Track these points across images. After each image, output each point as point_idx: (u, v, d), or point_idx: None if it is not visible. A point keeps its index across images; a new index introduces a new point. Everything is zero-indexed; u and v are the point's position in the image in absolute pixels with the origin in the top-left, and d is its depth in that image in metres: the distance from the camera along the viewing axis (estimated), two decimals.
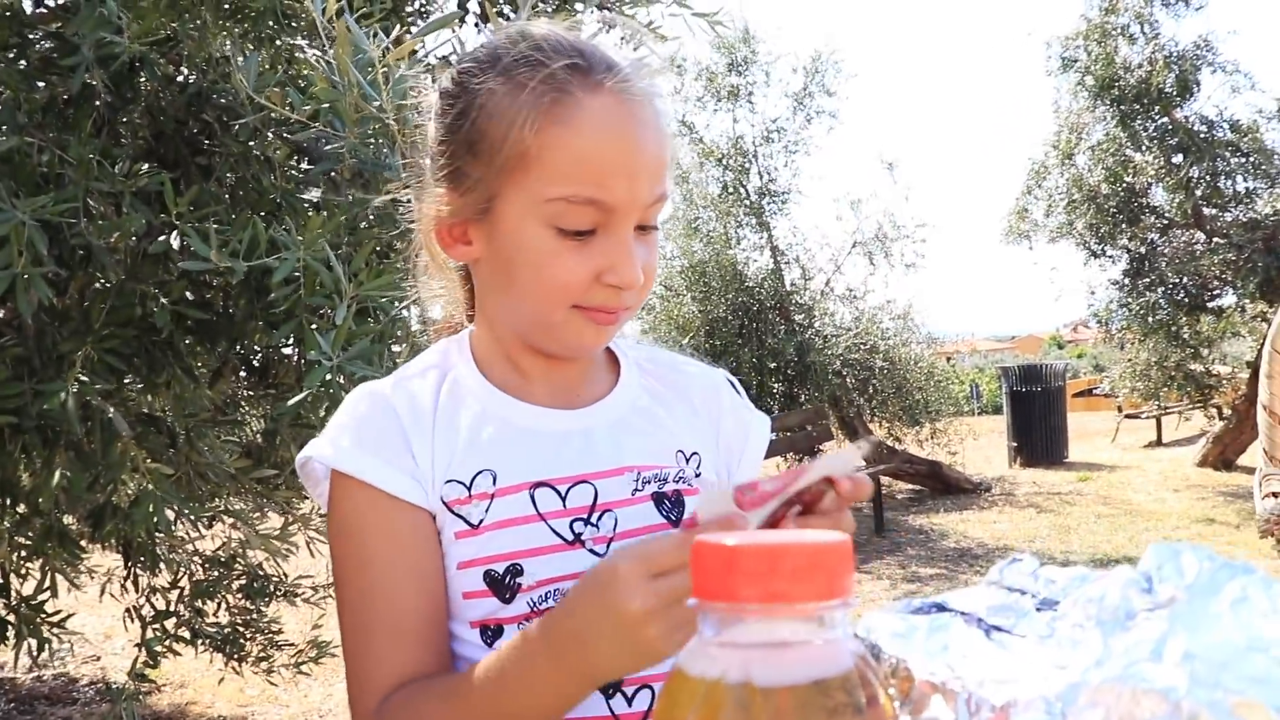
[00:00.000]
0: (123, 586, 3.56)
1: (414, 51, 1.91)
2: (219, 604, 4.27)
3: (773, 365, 12.45)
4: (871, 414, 12.92)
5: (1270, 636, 0.62)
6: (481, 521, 1.08)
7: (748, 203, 13.11)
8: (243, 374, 3.21)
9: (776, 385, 12.80)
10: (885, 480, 11.69)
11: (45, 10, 2.91)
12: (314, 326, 2.14)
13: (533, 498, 1.10)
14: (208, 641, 4.37)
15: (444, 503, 1.09)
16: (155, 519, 2.51)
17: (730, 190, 13.21)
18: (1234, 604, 0.65)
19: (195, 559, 3.74)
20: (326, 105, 2.00)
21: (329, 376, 1.89)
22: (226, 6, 3.07)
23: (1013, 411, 14.76)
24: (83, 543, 3.34)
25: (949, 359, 17.77)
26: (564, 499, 1.12)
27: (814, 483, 0.94)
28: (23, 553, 3.26)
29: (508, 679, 0.95)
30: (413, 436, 1.10)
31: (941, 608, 0.72)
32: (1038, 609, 0.70)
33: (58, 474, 2.51)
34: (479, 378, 1.17)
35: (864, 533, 10.13)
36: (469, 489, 1.09)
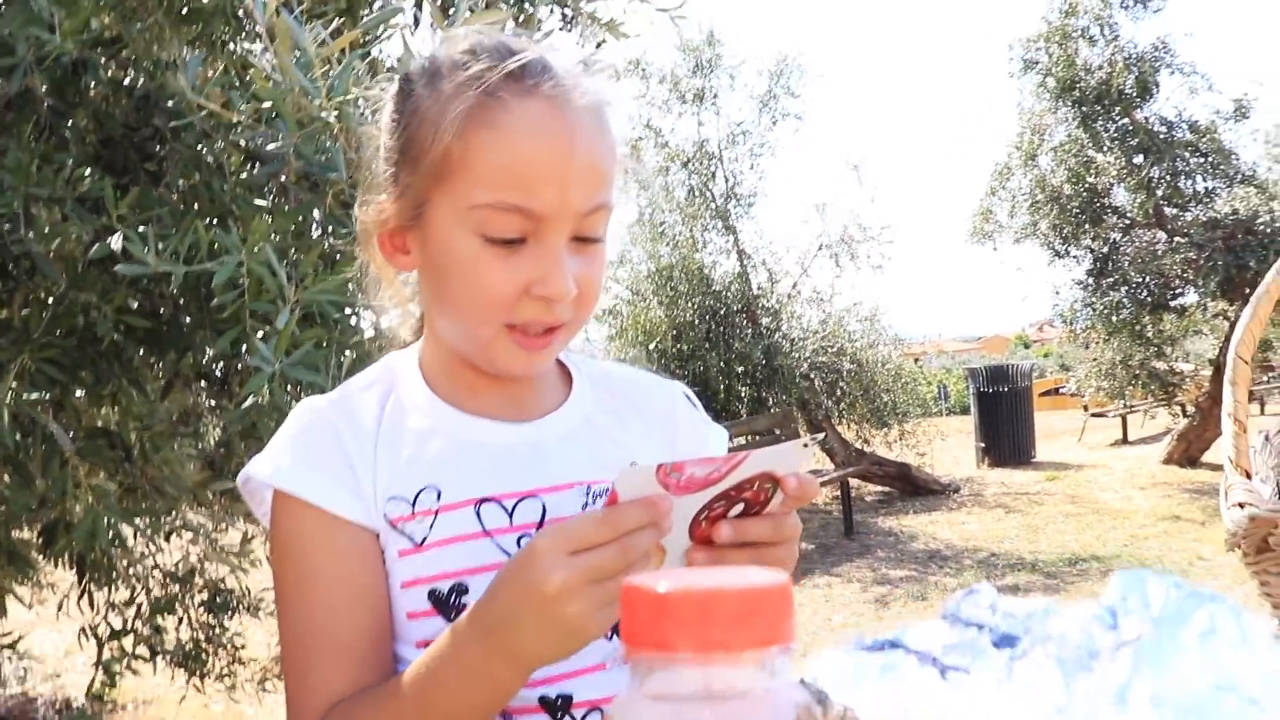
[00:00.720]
0: (78, 604, 3.47)
1: (354, 46, 1.86)
2: (180, 620, 4.18)
3: (740, 369, 12.44)
4: (840, 416, 12.94)
5: (1240, 672, 0.58)
6: (425, 539, 1.06)
7: (714, 206, 13.09)
8: (201, 384, 3.13)
9: (744, 389, 12.78)
10: (854, 482, 11.68)
11: None
12: (261, 334, 2.08)
13: (478, 514, 1.08)
14: (169, 658, 4.28)
15: (387, 520, 1.06)
16: (101, 536, 2.44)
17: (696, 194, 13.19)
18: (1202, 636, 0.61)
19: (154, 574, 3.66)
20: (268, 105, 1.94)
21: (272, 383, 1.82)
22: (176, 9, 3.01)
23: (980, 412, 14.82)
24: (36, 560, 3.25)
25: (916, 360, 17.85)
26: (510, 515, 1.09)
27: (754, 477, 0.90)
28: None
29: (438, 673, 0.93)
30: (355, 453, 1.07)
31: (895, 644, 0.67)
32: (995, 645, 0.66)
33: None
34: (425, 391, 1.13)
35: (833, 535, 10.13)
36: (412, 505, 1.07)
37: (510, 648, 0.88)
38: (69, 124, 2.71)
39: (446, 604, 1.05)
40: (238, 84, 2.36)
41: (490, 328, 1.04)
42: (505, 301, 1.02)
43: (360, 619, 1.04)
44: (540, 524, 1.08)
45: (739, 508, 0.94)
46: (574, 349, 1.24)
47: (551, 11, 3.72)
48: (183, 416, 3.16)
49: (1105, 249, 13.37)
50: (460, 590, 1.04)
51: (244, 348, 2.04)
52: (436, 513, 1.07)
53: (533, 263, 1.01)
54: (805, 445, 0.92)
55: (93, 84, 2.74)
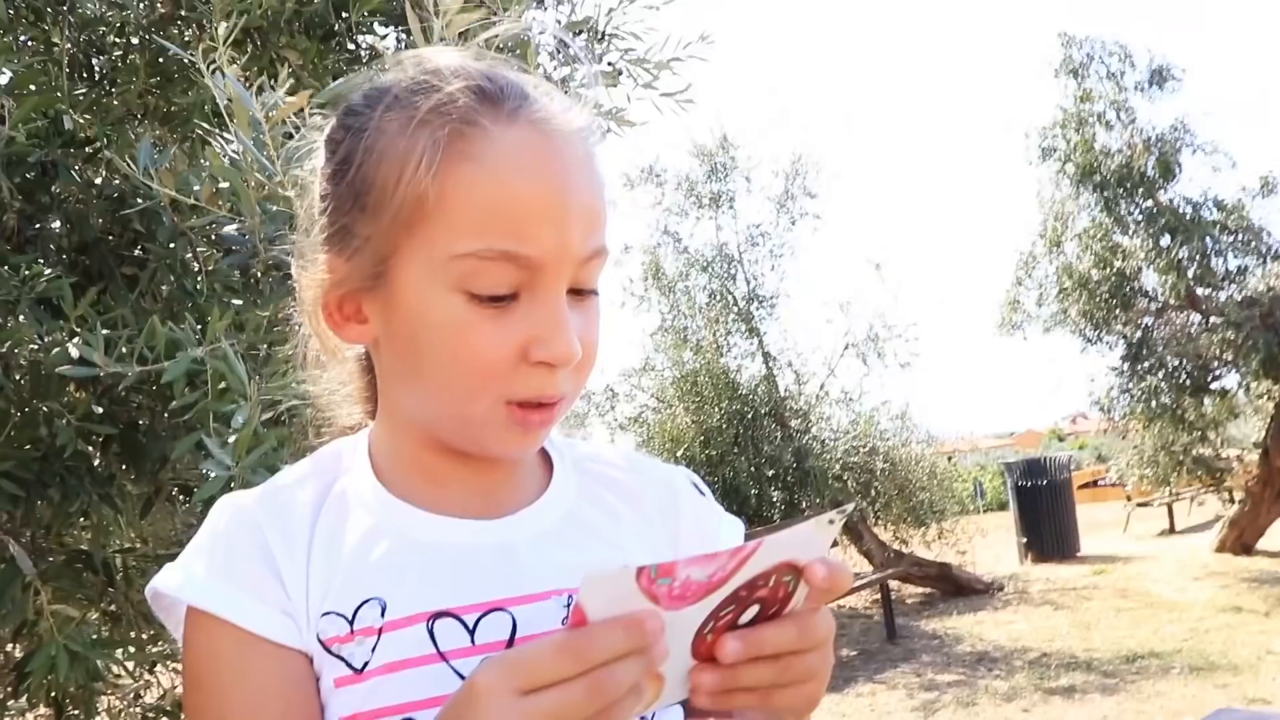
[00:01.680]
0: None
1: (312, 107, 1.69)
2: None
3: (771, 473, 12.19)
4: (875, 517, 12.63)
5: None
6: (366, 665, 0.85)
7: (736, 309, 13.00)
8: (183, 498, 2.93)
9: (776, 493, 12.51)
10: (894, 584, 11.33)
11: None
12: (231, 438, 1.89)
13: (431, 632, 0.87)
14: None
15: (320, 641, 0.86)
16: (64, 670, 2.22)
17: (717, 298, 13.13)
18: None
19: (135, 709, 3.42)
20: (225, 185, 1.78)
21: (229, 489, 1.62)
22: (158, 109, 2.92)
23: (1020, 507, 14.47)
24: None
25: (950, 458, 17.50)
26: (472, 633, 0.87)
27: (770, 570, 0.71)
28: None
29: None
30: (283, 560, 0.88)
31: None
32: None
33: None
34: (375, 486, 0.94)
35: (875, 640, 9.75)
36: (350, 623, 0.86)
37: None
38: (39, 228, 2.59)
39: None
40: (205, 166, 2.22)
41: (484, 403, 0.86)
42: (500, 370, 0.85)
43: None
44: (509, 643, 0.87)
45: (753, 610, 0.74)
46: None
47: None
48: (168, 536, 2.96)
49: (1139, 333, 13.16)
50: None
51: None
52: (380, 631, 0.86)
53: (529, 321, 0.85)
54: (830, 521, 0.73)
55: (68, 188, 2.63)
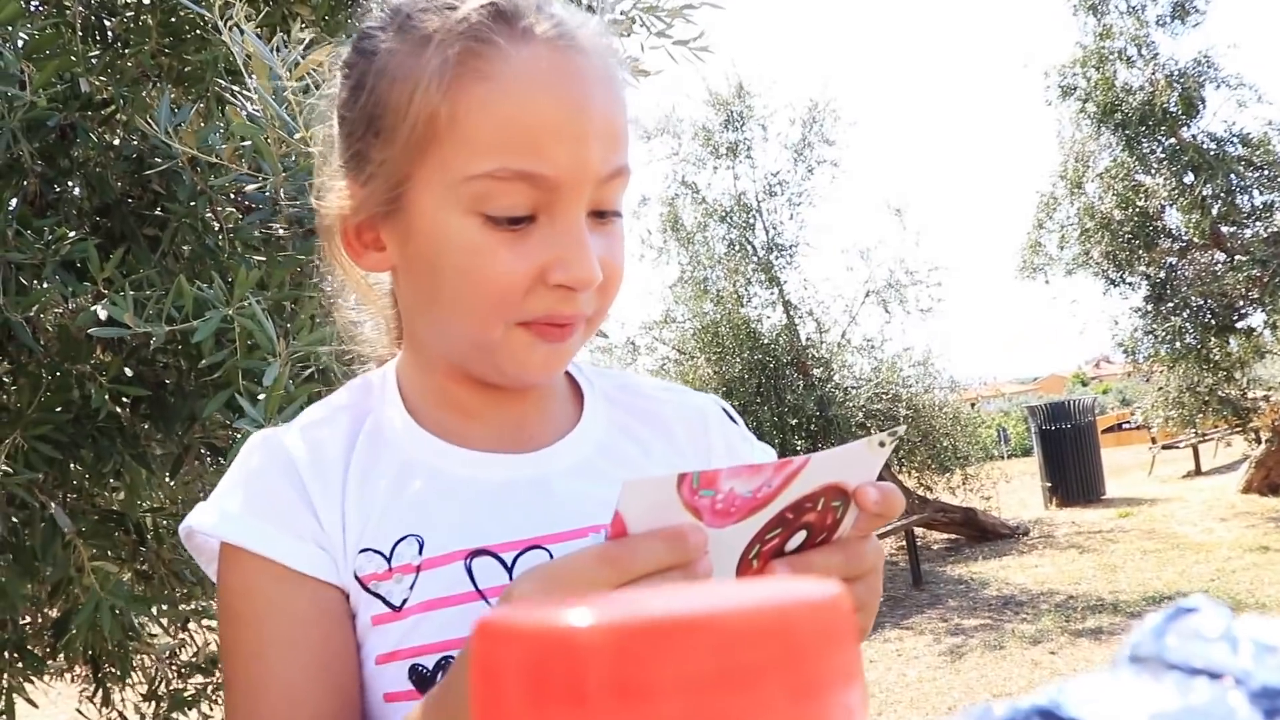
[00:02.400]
0: (92, 701, 3.29)
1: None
2: (201, 714, 3.96)
3: (794, 422, 12.17)
4: (899, 464, 12.61)
5: None
6: (405, 602, 0.85)
7: (756, 259, 12.93)
8: (211, 457, 2.96)
9: (799, 442, 12.50)
10: (919, 531, 11.34)
11: None
12: (260, 395, 1.91)
13: (469, 570, 0.86)
14: None
15: (357, 578, 0.86)
16: (108, 626, 2.26)
17: (737, 248, 13.06)
18: None
19: (171, 665, 3.47)
20: (248, 143, 1.77)
21: None
22: (171, 69, 2.91)
23: (1044, 451, 14.42)
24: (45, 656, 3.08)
25: (973, 404, 17.46)
26: (510, 571, 0.87)
27: (817, 492, 0.69)
28: None
29: None
30: (317, 496, 0.87)
31: (1050, 715, 0.33)
32: (1255, 701, 0.34)
33: None
34: (405, 419, 0.93)
35: (902, 586, 9.78)
36: (389, 560, 0.86)
37: None
38: (59, 192, 2.59)
39: (432, 684, 0.83)
40: (222, 126, 2.21)
41: (498, 329, 0.84)
42: (516, 294, 0.83)
43: (321, 696, 0.84)
44: None
45: (800, 536, 0.72)
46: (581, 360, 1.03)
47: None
48: (196, 495, 2.99)
49: (1162, 274, 13.03)
50: (449, 667, 0.82)
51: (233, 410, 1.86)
52: (418, 569, 0.86)
53: (548, 243, 0.82)
54: (881, 444, 0.70)
55: (86, 150, 2.64)
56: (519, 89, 0.80)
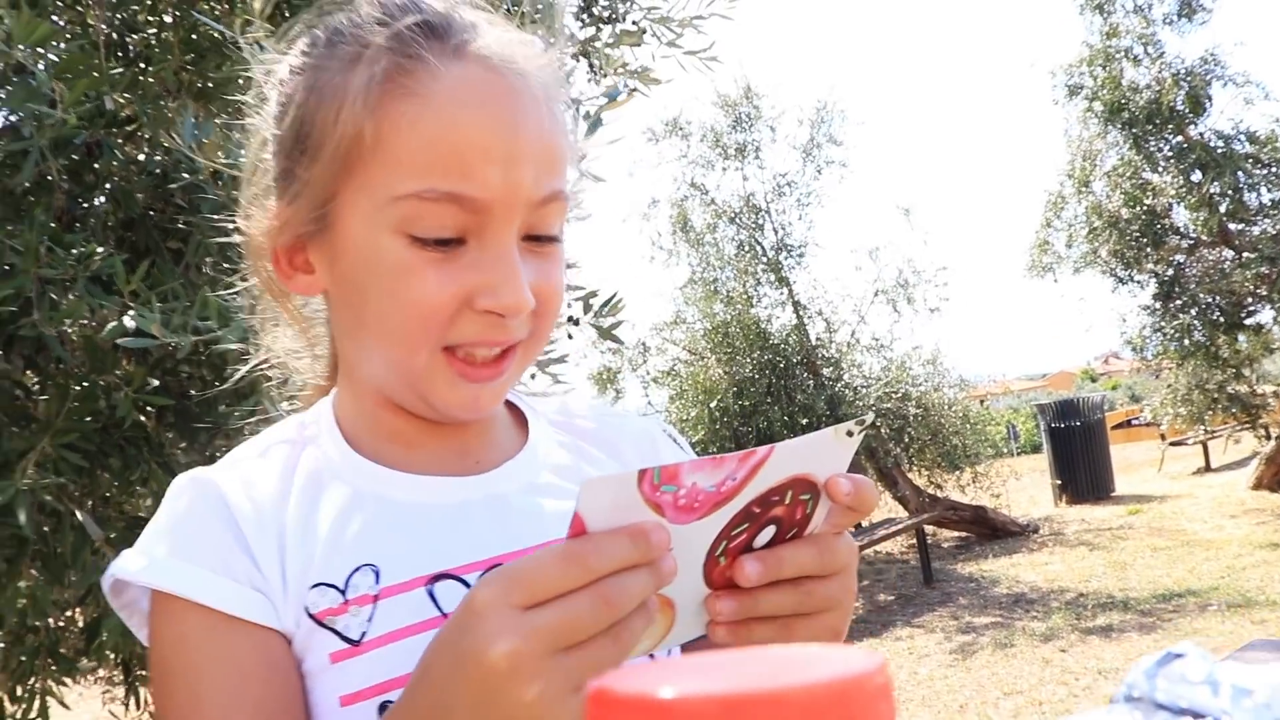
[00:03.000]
0: (125, 704, 3.36)
1: None
2: None
3: (804, 421, 12.20)
4: (909, 462, 12.64)
5: None
6: (364, 635, 0.80)
7: (765, 259, 12.98)
8: None
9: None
10: (930, 529, 11.37)
11: None
12: (283, 404, 1.97)
13: (432, 594, 0.83)
14: None
15: (310, 615, 0.81)
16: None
17: (746, 248, 13.10)
18: None
19: None
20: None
21: None
22: (193, 85, 2.97)
23: (1053, 449, 14.43)
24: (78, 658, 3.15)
25: (982, 401, 17.48)
26: None
27: (784, 484, 0.67)
28: (16, 672, 3.07)
29: None
30: (252, 536, 0.82)
31: None
32: None
33: (23, 585, 2.32)
34: (344, 450, 0.89)
35: (912, 585, 9.82)
36: (343, 593, 0.81)
37: None
38: (86, 207, 2.66)
39: None
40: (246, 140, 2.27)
41: (423, 354, 0.82)
42: (441, 316, 0.80)
43: None
44: None
45: (769, 531, 0.70)
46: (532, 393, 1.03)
47: (578, 61, 3.65)
48: None
49: (1170, 271, 13.02)
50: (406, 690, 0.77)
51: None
52: (376, 599, 0.81)
53: (476, 267, 0.80)
54: (849, 434, 0.68)
55: (111, 166, 2.70)
56: (448, 107, 0.78)
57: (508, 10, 0.97)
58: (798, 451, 0.66)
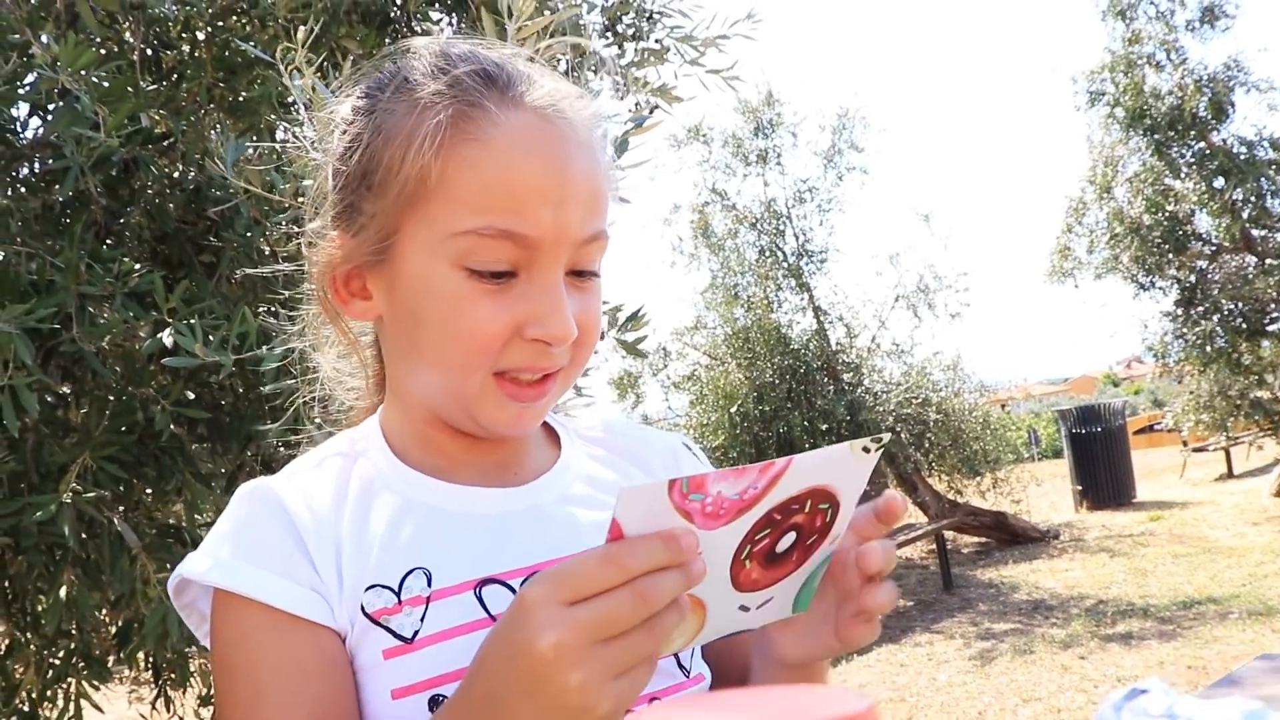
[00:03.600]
0: (153, 706, 3.43)
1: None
2: None
3: (824, 426, 12.22)
4: (929, 468, 12.64)
5: None
6: (417, 634, 0.87)
7: (786, 265, 13.01)
8: (264, 474, 3.09)
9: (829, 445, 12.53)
10: (949, 535, 11.37)
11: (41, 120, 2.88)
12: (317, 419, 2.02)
13: (480, 597, 0.89)
14: None
15: (366, 614, 0.87)
16: (175, 634, 2.38)
17: (767, 254, 13.14)
18: None
19: None
20: (309, 183, 1.89)
21: None
22: (225, 100, 3.04)
23: (1074, 454, 14.39)
24: (111, 664, 3.22)
25: (1003, 406, 17.45)
26: None
27: (803, 494, 0.72)
28: (49, 675, 3.14)
29: None
30: (310, 540, 0.89)
31: None
32: None
33: (64, 592, 2.38)
34: (394, 462, 0.96)
35: (932, 590, 9.82)
36: (398, 594, 0.88)
37: None
38: (122, 222, 2.72)
39: None
40: (284, 165, 2.33)
41: (476, 377, 0.89)
42: (494, 344, 0.87)
43: None
44: None
45: (790, 537, 0.75)
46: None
47: (602, 79, 3.70)
48: None
49: (1193, 278, 12.99)
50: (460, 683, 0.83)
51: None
52: (428, 600, 0.88)
53: (526, 299, 0.87)
54: (866, 450, 0.73)
55: (146, 182, 2.76)
56: (505, 153, 0.85)
57: (554, 64, 1.03)
58: (815, 464, 0.71)
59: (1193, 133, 12.58)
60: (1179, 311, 13.13)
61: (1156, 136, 12.61)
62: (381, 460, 0.97)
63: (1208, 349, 12.77)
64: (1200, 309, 12.81)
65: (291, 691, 0.84)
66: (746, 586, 0.76)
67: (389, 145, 0.88)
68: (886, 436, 0.74)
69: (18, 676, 3.02)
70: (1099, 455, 14.13)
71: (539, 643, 0.65)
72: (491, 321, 0.86)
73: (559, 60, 3.46)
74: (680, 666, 0.97)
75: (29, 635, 2.90)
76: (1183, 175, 12.73)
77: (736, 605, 0.77)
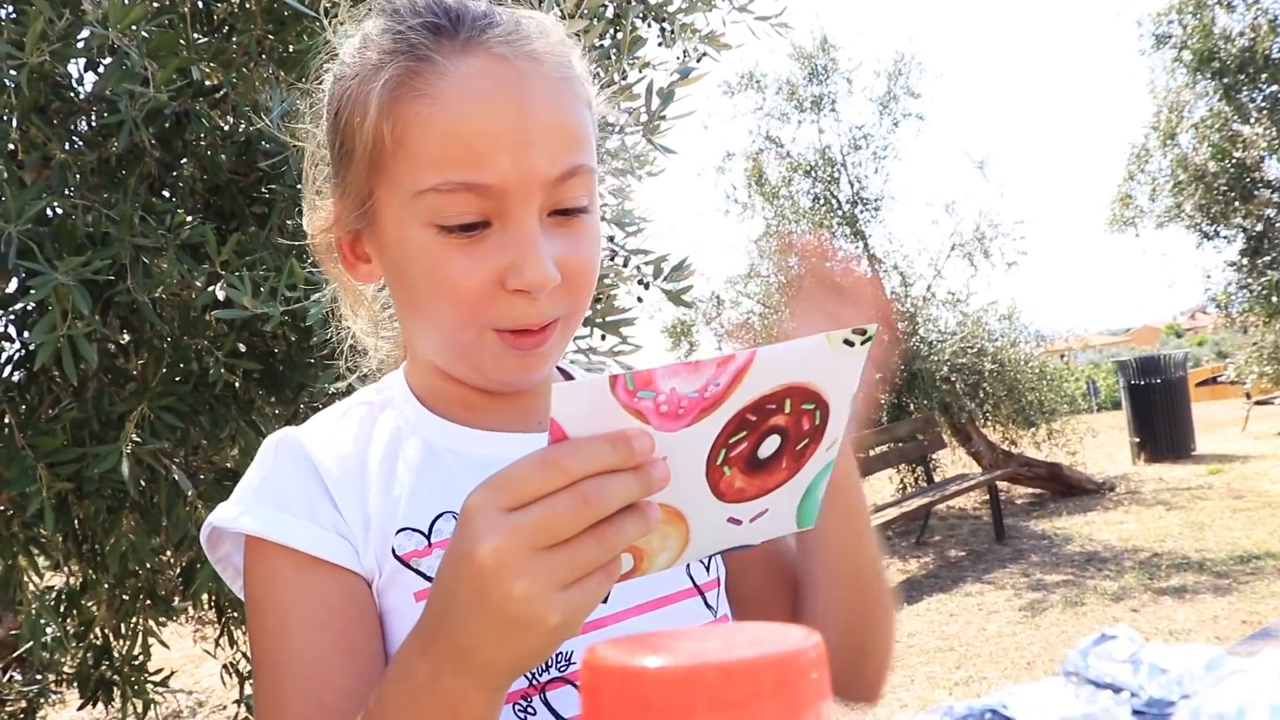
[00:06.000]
0: (216, 643, 3.55)
1: None
2: None
3: (878, 376, 12.14)
4: (984, 418, 12.54)
5: None
6: None
7: (840, 213, 12.88)
8: None
9: (883, 396, 12.50)
10: (1003, 485, 11.31)
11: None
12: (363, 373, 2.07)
13: None
14: None
15: (397, 556, 0.89)
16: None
17: (821, 202, 13.01)
18: None
19: None
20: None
21: None
22: (275, 52, 3.06)
23: (1132, 406, 14.17)
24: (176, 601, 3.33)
25: (1062, 356, 17.23)
26: None
27: (780, 391, 0.64)
28: (120, 612, 3.26)
29: (388, 703, 0.72)
30: (337, 487, 0.91)
31: (997, 715, 0.49)
32: (1139, 716, 0.49)
33: (123, 536, 2.46)
34: (419, 410, 0.98)
35: (984, 541, 9.79)
36: (428, 537, 0.89)
37: (457, 653, 0.67)
38: (175, 175, 2.77)
39: None
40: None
41: (470, 331, 0.89)
42: (476, 299, 0.87)
43: (347, 678, 0.86)
44: None
45: (774, 441, 0.67)
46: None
47: (650, 26, 3.68)
48: None
49: (1259, 227, 12.68)
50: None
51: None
52: None
53: (501, 249, 0.86)
54: (848, 342, 0.64)
55: (198, 134, 2.80)
56: (457, 102, 0.84)
57: None
58: (786, 358, 0.63)
59: (1265, 76, 12.22)
60: (1244, 261, 12.85)
61: (1225, 80, 12.27)
62: (407, 409, 0.98)
63: (1273, 299, 12.51)
64: (1266, 259, 12.53)
65: (316, 628, 0.86)
66: (731, 497, 0.69)
67: (353, 111, 0.89)
68: (872, 328, 0.65)
69: (94, 612, 3.14)
70: (1158, 407, 13.90)
71: (477, 550, 0.62)
72: (469, 276, 0.86)
73: (606, 6, 3.45)
74: (707, 607, 0.99)
75: (99, 575, 3.01)
76: (1253, 120, 12.39)
77: (724, 518, 0.71)
